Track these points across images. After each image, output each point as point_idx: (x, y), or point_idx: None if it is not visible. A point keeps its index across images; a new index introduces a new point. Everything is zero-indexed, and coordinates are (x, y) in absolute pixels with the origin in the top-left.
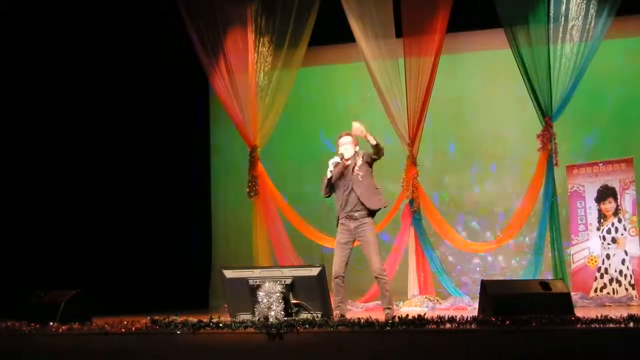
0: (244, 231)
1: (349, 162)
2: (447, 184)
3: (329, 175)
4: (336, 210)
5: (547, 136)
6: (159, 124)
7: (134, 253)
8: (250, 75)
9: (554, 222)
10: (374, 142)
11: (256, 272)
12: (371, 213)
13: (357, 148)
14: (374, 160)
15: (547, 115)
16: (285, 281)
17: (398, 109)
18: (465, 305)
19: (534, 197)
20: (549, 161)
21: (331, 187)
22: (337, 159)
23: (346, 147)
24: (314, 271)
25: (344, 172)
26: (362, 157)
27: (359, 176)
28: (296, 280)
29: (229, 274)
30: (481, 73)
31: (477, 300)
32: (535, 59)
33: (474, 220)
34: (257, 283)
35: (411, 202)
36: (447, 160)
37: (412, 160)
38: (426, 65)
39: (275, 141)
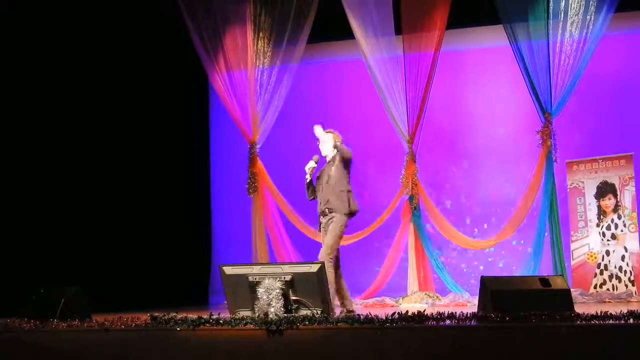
0: (243, 228)
1: (328, 159)
2: (447, 181)
3: (307, 180)
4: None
5: (546, 132)
6: (159, 121)
7: (133, 250)
8: (250, 72)
9: (554, 218)
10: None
11: (256, 269)
12: (341, 209)
13: (339, 143)
14: (345, 161)
15: (547, 111)
16: (284, 278)
17: (397, 105)
18: (464, 302)
19: (533, 193)
20: (549, 157)
21: (313, 190)
22: (312, 163)
23: (322, 145)
24: (314, 268)
25: (322, 171)
26: (337, 157)
27: (332, 178)
28: (296, 276)
29: (228, 270)
30: (481, 69)
31: (477, 297)
32: (535, 55)
33: (473, 217)
34: (257, 280)
35: (410, 198)
36: (446, 157)
37: (412, 157)
38: (425, 62)
39: (275, 138)
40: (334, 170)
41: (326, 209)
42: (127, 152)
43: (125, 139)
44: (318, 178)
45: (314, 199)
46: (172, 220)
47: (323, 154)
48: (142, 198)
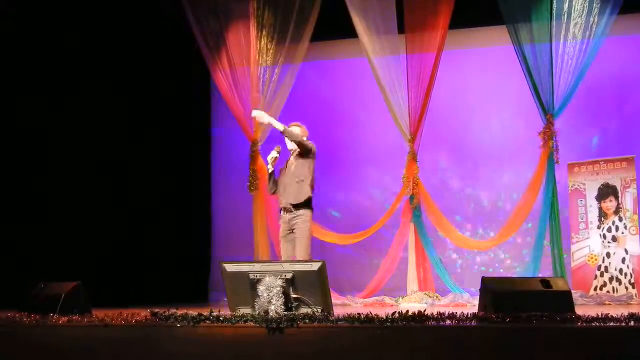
0: (244, 225)
1: (293, 152)
2: (448, 181)
3: (269, 170)
4: None
5: (548, 133)
6: (160, 117)
7: (134, 246)
8: (252, 69)
9: (554, 220)
10: (280, 129)
11: (256, 266)
12: (305, 204)
13: (305, 138)
14: (302, 151)
15: (548, 112)
16: (285, 275)
17: (399, 105)
18: (464, 302)
19: (534, 194)
20: (550, 159)
21: (275, 182)
22: (274, 153)
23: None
24: (315, 266)
25: (286, 164)
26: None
27: (292, 166)
28: (296, 274)
29: (229, 267)
30: (483, 69)
31: (477, 297)
32: (538, 56)
33: (473, 217)
34: (258, 277)
35: (411, 198)
36: (447, 157)
37: (413, 157)
38: (428, 61)
39: (277, 136)
40: (296, 160)
41: (290, 205)
42: (127, 149)
43: (126, 135)
44: (281, 172)
45: (274, 192)
46: (172, 216)
47: (289, 147)
48: (143, 194)
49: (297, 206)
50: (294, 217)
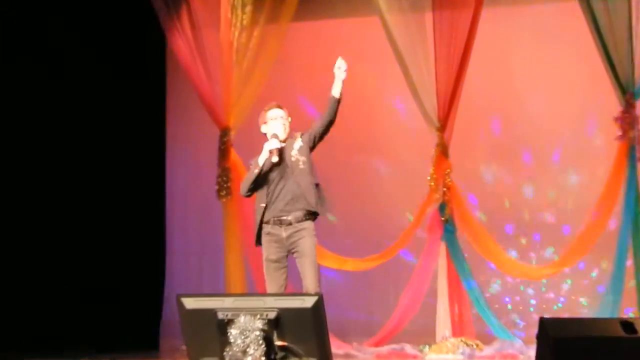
0: (210, 245)
1: (284, 142)
2: (490, 183)
3: (261, 163)
4: (256, 214)
5: (627, 120)
6: (95, 102)
7: (59, 277)
8: (223, 32)
9: (639, 240)
10: (337, 95)
11: (227, 302)
12: (311, 214)
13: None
14: (321, 138)
15: (628, 91)
16: (267, 314)
17: (424, 79)
18: (515, 352)
19: (610, 203)
20: (631, 154)
21: (257, 182)
22: (275, 142)
23: (278, 124)
24: (308, 301)
25: (280, 154)
26: (302, 138)
27: (300, 163)
28: (283, 313)
29: (189, 303)
30: (538, 33)
31: (534, 346)
32: (612, 15)
33: (527, 234)
34: (229, 317)
35: (442, 207)
36: (489, 150)
37: (444, 150)
38: (462, 22)
39: (255, 121)
40: (301, 153)
41: (291, 217)
42: (52, 144)
43: (52, 125)
44: (268, 170)
45: (250, 194)
46: (112, 234)
47: (283, 135)
48: (72, 206)
49: (303, 215)
50: (296, 231)
